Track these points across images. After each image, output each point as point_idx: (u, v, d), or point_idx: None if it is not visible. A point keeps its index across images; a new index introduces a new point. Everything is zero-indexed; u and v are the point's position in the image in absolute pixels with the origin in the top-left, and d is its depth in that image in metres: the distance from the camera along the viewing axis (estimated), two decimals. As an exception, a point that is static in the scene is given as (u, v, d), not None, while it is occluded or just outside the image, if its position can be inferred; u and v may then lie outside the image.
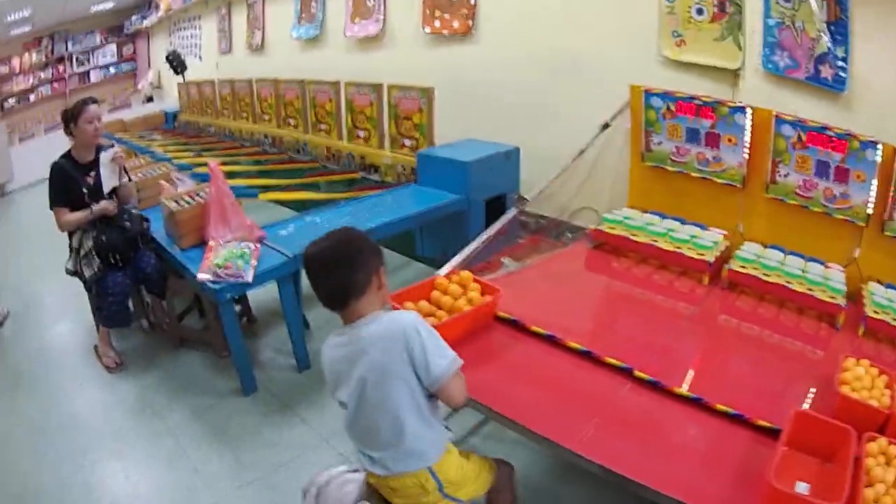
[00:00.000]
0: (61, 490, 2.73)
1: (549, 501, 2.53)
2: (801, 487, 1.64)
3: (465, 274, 2.59)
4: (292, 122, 6.91)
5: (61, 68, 13.41)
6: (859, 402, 1.89)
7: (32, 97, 13.18)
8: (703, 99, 3.27)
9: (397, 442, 1.70)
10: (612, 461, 1.75)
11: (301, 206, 5.42)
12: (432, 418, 1.75)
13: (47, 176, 3.41)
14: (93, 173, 3.45)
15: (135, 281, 3.62)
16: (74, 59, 13.74)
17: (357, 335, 1.69)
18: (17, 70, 12.99)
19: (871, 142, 2.75)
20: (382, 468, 1.74)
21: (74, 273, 3.54)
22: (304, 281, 3.70)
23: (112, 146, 3.58)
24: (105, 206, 3.41)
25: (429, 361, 1.65)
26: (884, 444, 1.71)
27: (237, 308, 3.83)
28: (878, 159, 2.73)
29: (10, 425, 3.22)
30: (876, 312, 2.56)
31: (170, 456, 2.90)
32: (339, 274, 1.67)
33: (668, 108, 3.40)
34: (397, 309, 2.17)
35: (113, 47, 14.28)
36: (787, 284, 2.76)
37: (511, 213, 3.63)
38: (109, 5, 12.90)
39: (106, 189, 3.46)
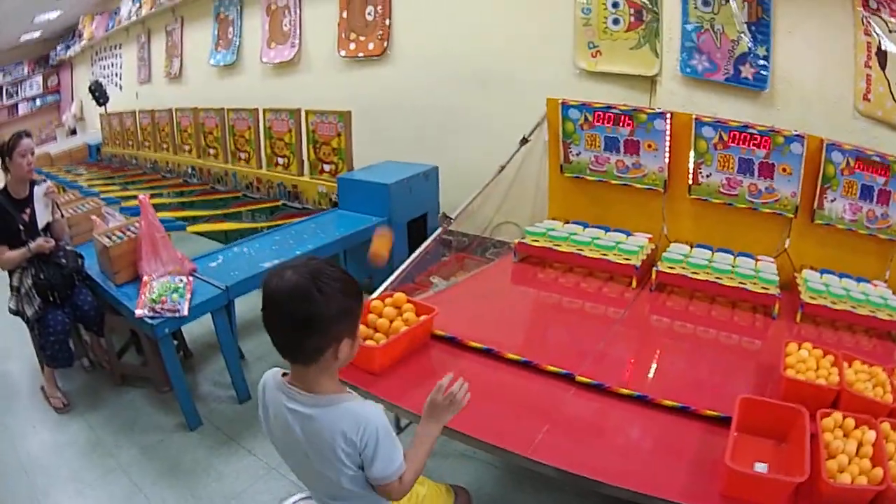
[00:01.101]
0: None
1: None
2: (760, 467, 1.62)
3: (399, 295, 2.54)
4: (212, 151, 6.72)
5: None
6: (805, 382, 1.89)
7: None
8: (621, 108, 3.24)
9: (345, 501, 1.60)
10: (567, 463, 1.74)
11: (225, 237, 5.33)
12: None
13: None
14: (28, 209, 3.39)
15: (73, 319, 3.54)
16: (4, 92, 13.13)
17: (310, 418, 1.48)
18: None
19: (797, 135, 2.75)
20: None
21: (17, 312, 3.45)
22: (238, 312, 3.77)
23: (45, 181, 3.53)
24: (41, 243, 3.33)
25: (375, 465, 1.49)
26: (839, 418, 1.70)
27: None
28: (804, 152, 2.74)
29: (-31, 473, 3.13)
30: (812, 298, 2.55)
31: (126, 495, 2.87)
32: (287, 331, 1.43)
33: (586, 119, 3.36)
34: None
35: (39, 79, 13.59)
36: (717, 280, 2.72)
37: (437, 233, 3.56)
38: (37, 34, 12.36)
39: (40, 225, 3.42)
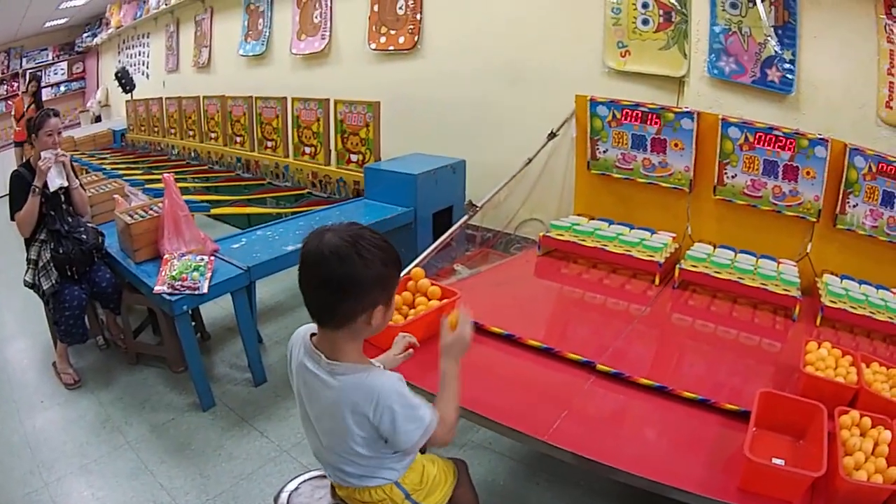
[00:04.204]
0: (28, 506, 2.68)
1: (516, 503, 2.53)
2: (777, 463, 1.61)
3: (423, 281, 2.52)
4: (239, 139, 6.80)
5: (15, 85, 12.84)
6: (825, 379, 1.90)
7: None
8: (649, 106, 3.29)
9: (355, 472, 1.58)
10: (584, 449, 1.74)
11: (248, 222, 5.36)
12: (392, 457, 1.60)
13: (3, 193, 3.38)
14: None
15: (90, 296, 3.56)
16: (27, 76, 13.04)
17: (326, 383, 1.47)
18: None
19: (821, 139, 2.79)
20: (344, 482, 1.62)
21: (32, 286, 3.47)
22: (258, 295, 3.85)
23: (56, 149, 3.42)
24: (39, 163, 3.25)
25: (398, 438, 1.47)
26: (856, 417, 1.70)
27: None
28: (828, 156, 2.77)
29: (-27, 443, 3.13)
30: (833, 302, 2.57)
31: (133, 471, 2.87)
32: (323, 293, 1.41)
33: (614, 116, 3.40)
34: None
35: (64, 65, 13.85)
36: (739, 280, 2.75)
37: (463, 219, 3.63)
38: (63, 20, 12.56)
39: (52, 187, 3.33)
